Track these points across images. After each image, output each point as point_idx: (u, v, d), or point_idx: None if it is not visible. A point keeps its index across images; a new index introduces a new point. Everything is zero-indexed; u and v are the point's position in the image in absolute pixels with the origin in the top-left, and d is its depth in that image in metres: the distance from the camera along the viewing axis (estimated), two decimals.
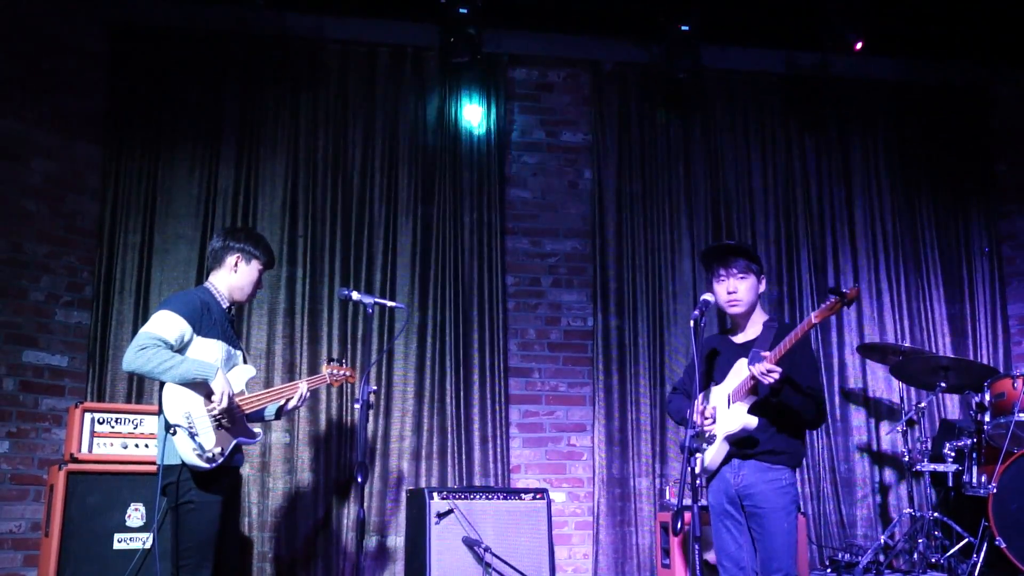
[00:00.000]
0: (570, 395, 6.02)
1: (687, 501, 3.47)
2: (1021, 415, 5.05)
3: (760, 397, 3.67)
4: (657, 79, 6.28)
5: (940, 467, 5.30)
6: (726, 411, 3.76)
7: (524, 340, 6.04)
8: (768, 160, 6.48)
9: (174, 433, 3.66)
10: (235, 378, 3.95)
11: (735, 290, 3.83)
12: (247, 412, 3.96)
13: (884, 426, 6.22)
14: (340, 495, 5.55)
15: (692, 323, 3.59)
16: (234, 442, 3.81)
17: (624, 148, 6.29)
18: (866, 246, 6.46)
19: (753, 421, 3.67)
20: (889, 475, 6.16)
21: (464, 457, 5.68)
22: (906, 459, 5.52)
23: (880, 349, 5.80)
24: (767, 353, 3.61)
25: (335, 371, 4.40)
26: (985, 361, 6.36)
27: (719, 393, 3.85)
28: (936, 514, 5.24)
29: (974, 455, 5.10)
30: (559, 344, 6.07)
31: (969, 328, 6.50)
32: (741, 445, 3.72)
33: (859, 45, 5.93)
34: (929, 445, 5.51)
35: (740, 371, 3.77)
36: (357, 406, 3.98)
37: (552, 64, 6.38)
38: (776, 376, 3.54)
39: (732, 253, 3.85)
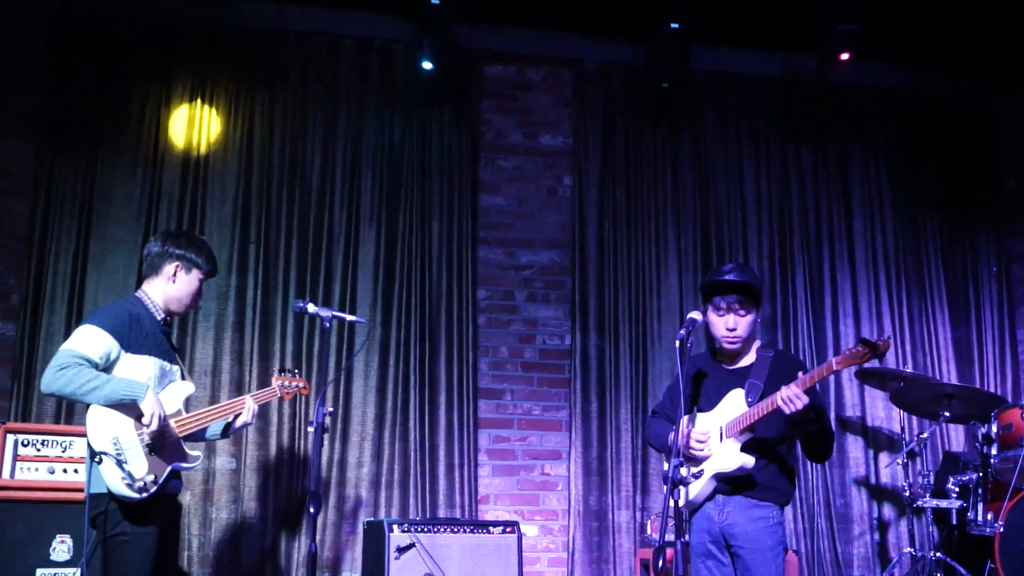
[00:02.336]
0: (545, 420, 5.98)
1: (670, 537, 3.42)
2: None
3: (756, 435, 3.65)
4: (644, 81, 6.26)
5: (943, 503, 5.28)
6: (718, 445, 3.73)
7: (496, 359, 5.99)
8: (762, 170, 6.48)
9: (99, 462, 3.54)
10: (171, 396, 3.84)
11: (735, 327, 3.80)
12: (185, 433, 3.85)
13: (883, 458, 6.21)
14: (290, 527, 5.46)
15: (677, 343, 3.57)
16: (169, 468, 3.71)
17: (607, 154, 6.28)
18: (865, 265, 6.47)
19: (750, 461, 3.65)
20: (888, 511, 6.16)
21: (428, 486, 5.64)
22: (907, 494, 5.50)
23: (880, 375, 5.77)
24: (796, 381, 3.53)
25: (286, 382, 4.33)
26: (992, 389, 6.36)
27: (707, 422, 3.81)
28: (938, 554, 5.22)
29: (979, 491, 5.07)
30: (534, 364, 6.03)
31: (975, 354, 6.51)
32: (728, 481, 3.70)
33: (845, 56, 5.88)
34: (931, 479, 5.49)
35: (734, 404, 3.75)
36: (311, 429, 3.90)
37: (531, 62, 6.35)
38: (802, 404, 3.46)
39: (736, 289, 3.78)
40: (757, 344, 3.92)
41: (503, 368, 5.99)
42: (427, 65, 5.83)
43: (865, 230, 6.51)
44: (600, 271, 6.12)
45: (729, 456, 3.68)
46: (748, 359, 3.88)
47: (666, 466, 3.54)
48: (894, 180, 6.64)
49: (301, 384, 4.38)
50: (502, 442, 5.92)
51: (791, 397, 3.49)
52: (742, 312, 3.78)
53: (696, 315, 3.72)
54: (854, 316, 6.35)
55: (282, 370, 4.39)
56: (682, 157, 6.38)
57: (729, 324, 3.78)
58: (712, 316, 3.82)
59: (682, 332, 3.58)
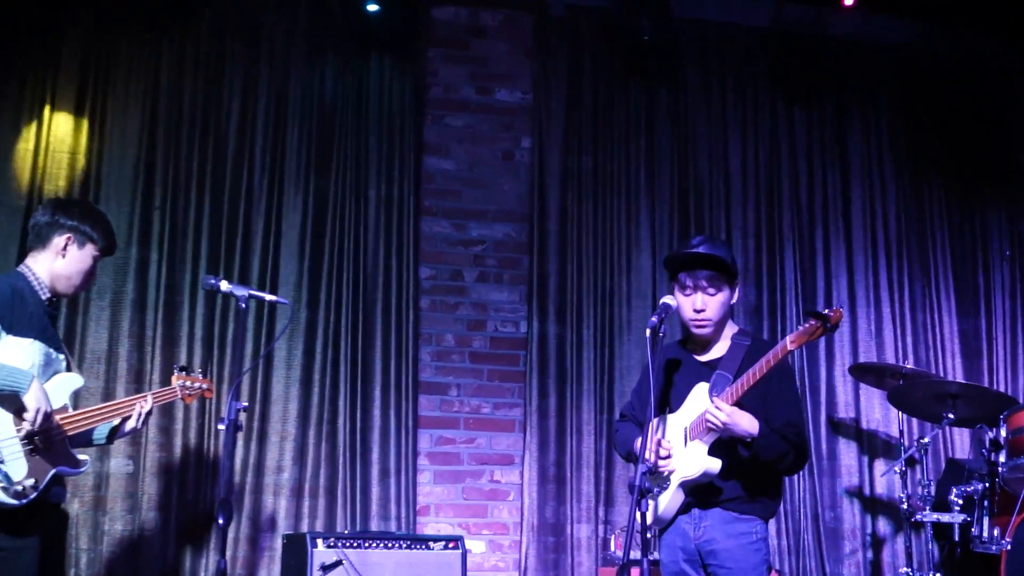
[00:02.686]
0: (495, 419, 6.00)
1: (636, 554, 3.45)
2: None
3: (726, 436, 3.66)
4: (616, 29, 6.26)
5: (945, 517, 5.32)
6: (683, 450, 3.73)
7: (440, 348, 6.00)
8: (749, 135, 6.52)
9: None
10: (56, 389, 3.81)
11: (703, 308, 3.81)
12: (71, 434, 3.83)
13: (879, 465, 6.28)
14: (196, 540, 5.43)
15: (649, 332, 3.57)
16: (52, 472, 3.70)
17: (573, 113, 6.29)
18: (864, 245, 6.54)
19: (716, 464, 3.66)
20: (883, 526, 6.24)
21: (359, 494, 5.65)
22: (904, 506, 5.55)
23: (877, 371, 5.83)
24: (730, 387, 3.60)
25: (188, 383, 4.34)
26: (1002, 389, 6.43)
27: (675, 424, 3.82)
28: (939, 574, 5.27)
29: (985, 503, 5.09)
30: (484, 355, 6.05)
31: (984, 348, 6.58)
32: (702, 492, 3.72)
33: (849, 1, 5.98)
34: (932, 490, 5.54)
35: (699, 399, 3.76)
36: (222, 427, 3.81)
37: (487, 3, 6.32)
38: (723, 422, 3.54)
39: (704, 264, 3.79)
40: (733, 330, 3.93)
41: (448, 359, 5.99)
42: (372, 7, 5.87)
43: (864, 206, 6.57)
44: (562, 248, 6.13)
45: (693, 461, 3.68)
46: (721, 348, 3.88)
47: (632, 472, 3.58)
48: (897, 149, 6.70)
49: (205, 386, 4.42)
50: (446, 444, 5.92)
51: (713, 414, 3.56)
52: (711, 291, 3.78)
53: (670, 300, 3.75)
54: (849, 303, 6.42)
55: (184, 368, 4.41)
56: (658, 118, 6.39)
57: (696, 304, 3.78)
58: (678, 296, 3.83)
59: (654, 319, 3.57)
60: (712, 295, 3.78)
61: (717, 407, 3.55)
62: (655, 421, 3.70)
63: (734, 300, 3.89)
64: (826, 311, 3.43)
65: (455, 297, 6.06)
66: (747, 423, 3.58)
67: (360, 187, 5.92)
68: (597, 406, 5.99)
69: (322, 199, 5.87)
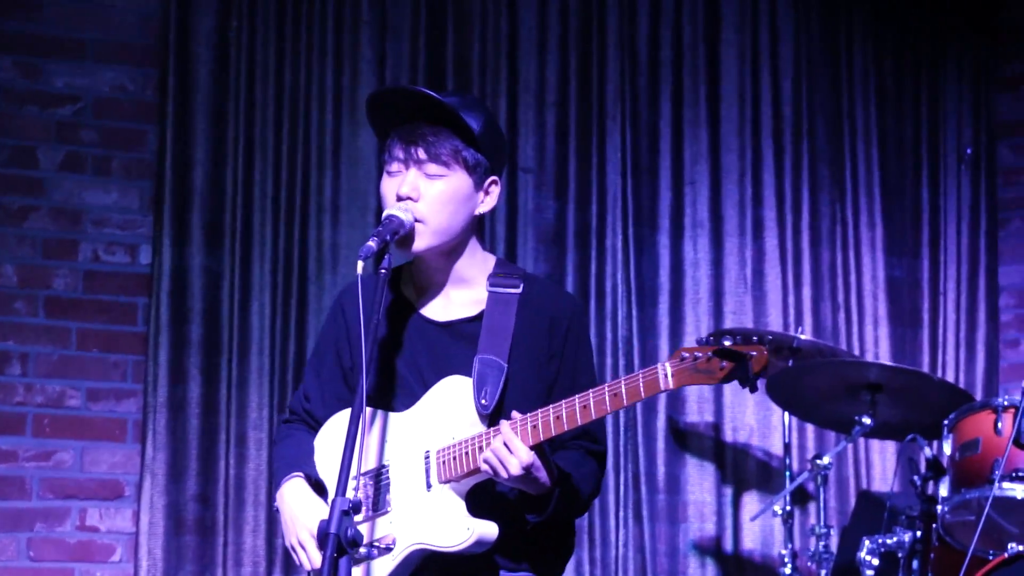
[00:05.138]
0: (91, 417, 6.11)
1: None
2: (1008, 485, 5.07)
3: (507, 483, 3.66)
4: None
5: None
6: (422, 495, 3.71)
7: None
8: None
9: None
10: None
11: (413, 196, 3.70)
12: None
13: (749, 502, 6.51)
14: None
15: (360, 265, 3.50)
16: None
17: None
18: (739, 125, 6.79)
19: (491, 531, 3.62)
20: None
21: None
22: (787, 570, 5.73)
23: None
24: (514, 418, 3.54)
25: None
26: (951, 377, 6.74)
27: (403, 439, 3.80)
28: None
29: (915, 564, 5.29)
30: (72, 302, 6.14)
31: (926, 307, 6.92)
32: (444, 560, 3.72)
33: None
34: (833, 542, 5.76)
35: (451, 406, 3.73)
36: None
37: None
38: (513, 474, 3.51)
39: (427, 116, 3.73)
40: (488, 264, 3.88)
41: (5, 308, 6.06)
42: None
43: (741, 59, 6.82)
44: (218, 116, 6.22)
45: (448, 521, 3.64)
46: (467, 297, 3.84)
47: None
48: None
49: None
50: None
51: (501, 458, 3.51)
52: (433, 169, 3.71)
53: (402, 212, 3.64)
54: (712, 227, 6.64)
55: None
56: None
57: (402, 189, 3.69)
58: (384, 180, 3.76)
59: (371, 244, 3.49)
60: (433, 178, 3.70)
61: (510, 448, 3.49)
62: (358, 432, 3.49)
63: (485, 208, 3.79)
64: (747, 348, 3.31)
65: (20, 197, 6.12)
66: (545, 475, 3.58)
67: None
68: (277, 397, 6.11)
69: None
